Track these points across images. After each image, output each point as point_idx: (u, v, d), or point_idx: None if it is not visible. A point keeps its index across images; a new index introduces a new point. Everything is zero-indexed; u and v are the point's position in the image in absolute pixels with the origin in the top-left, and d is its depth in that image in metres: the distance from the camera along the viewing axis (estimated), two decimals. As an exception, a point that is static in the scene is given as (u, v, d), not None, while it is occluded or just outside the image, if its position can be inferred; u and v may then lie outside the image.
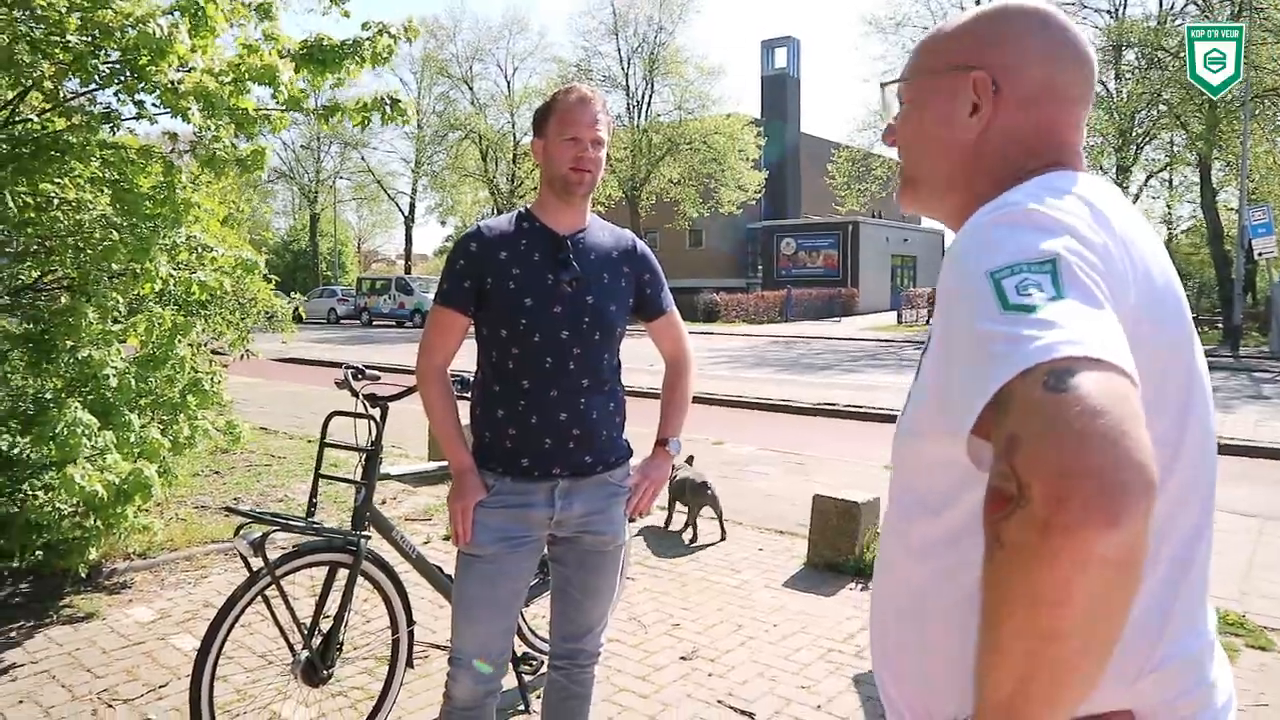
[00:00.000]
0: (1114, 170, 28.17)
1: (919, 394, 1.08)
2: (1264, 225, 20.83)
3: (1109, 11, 30.92)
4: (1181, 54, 27.79)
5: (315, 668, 2.82)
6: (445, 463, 3.26)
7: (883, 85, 1.28)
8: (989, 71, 1.12)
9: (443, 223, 48.07)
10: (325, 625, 2.88)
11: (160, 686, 3.51)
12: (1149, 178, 33.56)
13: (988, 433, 0.83)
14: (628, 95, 38.88)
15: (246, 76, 3.89)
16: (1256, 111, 24.83)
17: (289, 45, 4.21)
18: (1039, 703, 0.78)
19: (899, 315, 36.70)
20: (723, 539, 5.59)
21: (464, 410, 2.40)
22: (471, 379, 2.43)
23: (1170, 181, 36.85)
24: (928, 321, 34.56)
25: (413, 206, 50.57)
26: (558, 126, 2.25)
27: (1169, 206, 39.31)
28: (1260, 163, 26.09)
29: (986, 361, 0.84)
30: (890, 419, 11.25)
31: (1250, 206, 21.65)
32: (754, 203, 41.86)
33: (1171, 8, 29.44)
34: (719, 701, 3.48)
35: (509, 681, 3.39)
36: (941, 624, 1.05)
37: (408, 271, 51.14)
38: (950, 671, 1.02)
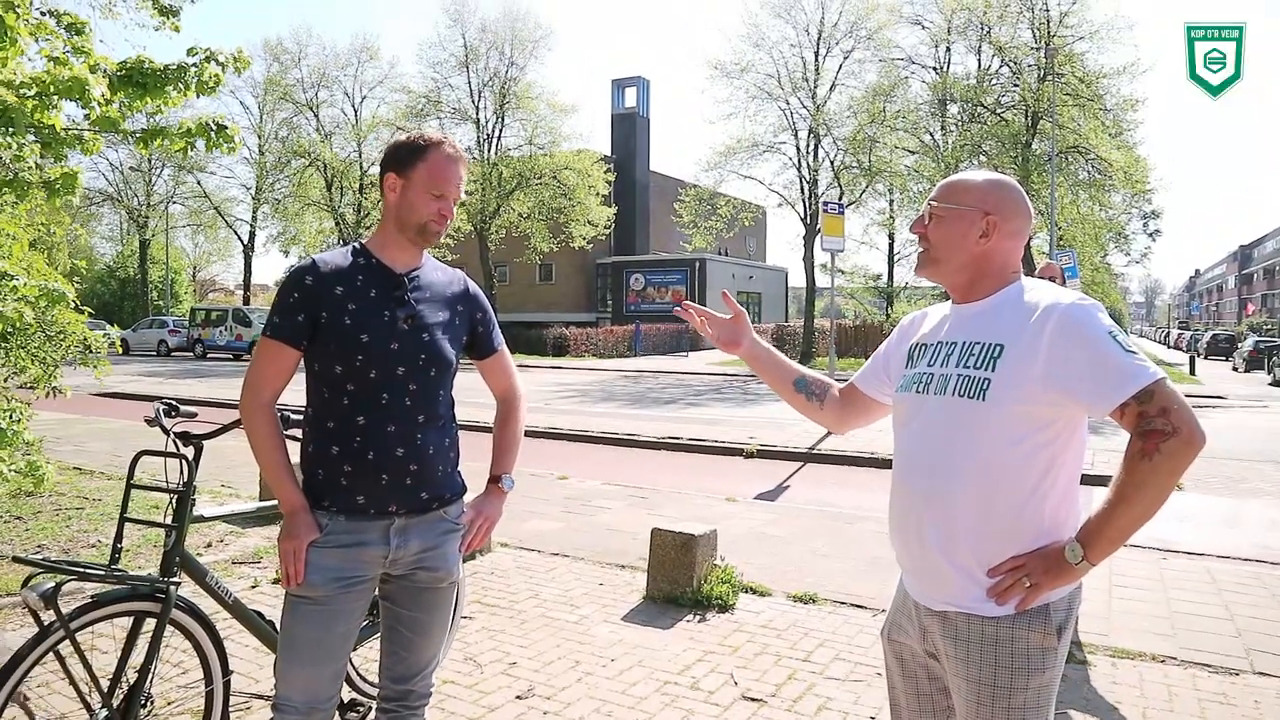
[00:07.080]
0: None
1: (1009, 384, 1.77)
2: (1070, 269, 22.73)
3: (934, 69, 33.18)
4: (998, 110, 30.19)
5: (116, 727, 2.62)
6: (266, 503, 3.13)
7: (929, 202, 1.98)
8: (998, 217, 1.89)
9: (285, 253, 46.02)
10: (133, 679, 2.69)
11: (-63, 756, 3.18)
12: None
13: (1120, 409, 1.67)
14: (478, 128, 38.49)
15: (52, 90, 3.62)
16: (1062, 166, 27.09)
17: (104, 64, 3.97)
18: (1131, 533, 1.71)
19: (745, 350, 37.68)
20: None
21: (292, 449, 2.31)
22: (300, 415, 2.36)
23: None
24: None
25: (253, 235, 48.35)
26: (427, 177, 2.26)
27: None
28: (1066, 212, 28.44)
29: (1131, 374, 1.66)
30: (732, 452, 11.61)
31: (1059, 251, 23.56)
32: (603, 238, 42.27)
33: (988, 69, 31.85)
34: (554, 740, 3.45)
35: (335, 731, 3.27)
36: (1008, 503, 1.78)
37: (246, 302, 48.89)
38: (1004, 530, 1.79)
